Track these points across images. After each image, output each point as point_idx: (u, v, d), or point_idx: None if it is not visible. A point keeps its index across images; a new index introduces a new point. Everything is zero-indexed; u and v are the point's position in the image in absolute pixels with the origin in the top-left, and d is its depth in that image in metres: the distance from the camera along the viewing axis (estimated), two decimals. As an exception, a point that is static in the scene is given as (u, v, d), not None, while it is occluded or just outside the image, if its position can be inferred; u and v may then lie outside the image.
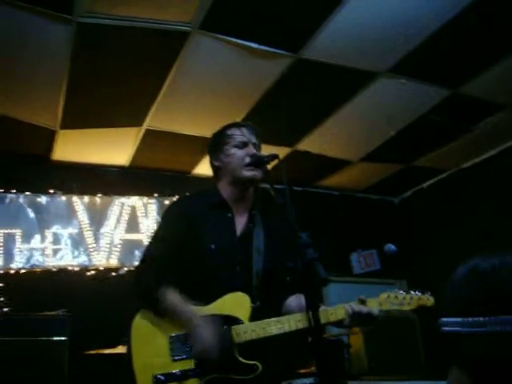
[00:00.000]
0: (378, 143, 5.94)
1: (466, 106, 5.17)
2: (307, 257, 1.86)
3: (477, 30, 4.14)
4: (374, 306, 2.33)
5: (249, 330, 2.27)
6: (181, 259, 2.45)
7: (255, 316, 2.33)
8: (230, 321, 2.30)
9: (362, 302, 2.32)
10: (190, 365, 2.25)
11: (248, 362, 2.26)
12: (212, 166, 2.65)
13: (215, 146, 2.62)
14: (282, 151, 5.89)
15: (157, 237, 2.56)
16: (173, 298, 2.32)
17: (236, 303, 2.35)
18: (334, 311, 2.30)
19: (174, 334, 2.31)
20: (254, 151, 2.51)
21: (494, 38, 4.25)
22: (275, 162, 2.36)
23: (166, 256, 2.45)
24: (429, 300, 2.41)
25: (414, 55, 4.39)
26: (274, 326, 2.28)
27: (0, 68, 4.34)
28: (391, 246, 2.34)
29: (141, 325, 2.36)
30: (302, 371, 4.69)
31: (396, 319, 5.87)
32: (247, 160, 2.47)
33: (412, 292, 2.41)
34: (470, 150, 6.11)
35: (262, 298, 2.41)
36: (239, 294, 2.36)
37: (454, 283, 1.12)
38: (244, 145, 2.53)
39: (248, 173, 2.47)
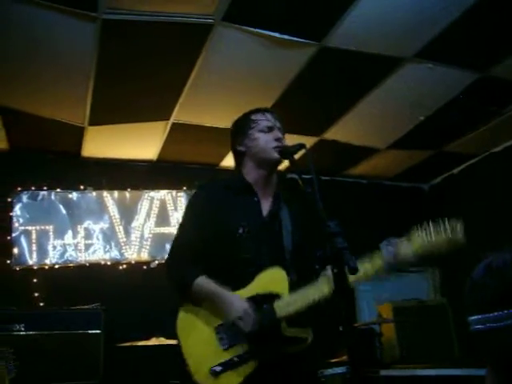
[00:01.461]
0: (406, 130, 5.86)
1: (495, 88, 5.05)
2: (336, 246, 1.85)
3: (504, 10, 4.04)
4: (406, 248, 2.29)
5: (292, 302, 2.29)
6: (209, 245, 2.46)
7: (294, 288, 2.34)
8: (271, 298, 2.32)
9: (393, 244, 2.31)
10: (242, 349, 2.29)
11: (297, 335, 2.32)
12: (235, 151, 2.65)
13: (238, 131, 2.63)
14: (309, 141, 5.86)
15: (184, 225, 2.59)
16: (208, 285, 2.36)
17: (273, 279, 2.37)
18: (369, 264, 2.27)
19: (217, 325, 2.34)
20: (280, 135, 2.52)
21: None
22: (302, 151, 2.36)
23: (194, 244, 2.47)
24: (459, 233, 2.27)
25: (440, 39, 4.30)
26: (314, 292, 2.27)
27: (28, 68, 4.41)
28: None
29: (185, 320, 2.41)
30: (334, 360, 4.69)
31: (428, 307, 5.83)
32: (274, 143, 2.48)
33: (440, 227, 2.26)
34: (501, 133, 5.97)
35: (297, 272, 2.44)
36: (274, 269, 2.37)
37: (472, 282, 1.12)
38: (269, 129, 2.53)
39: (275, 156, 2.47)
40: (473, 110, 5.47)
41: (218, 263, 2.45)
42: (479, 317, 1.06)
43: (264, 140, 2.51)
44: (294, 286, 2.35)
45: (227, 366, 2.27)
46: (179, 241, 2.54)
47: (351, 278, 2.07)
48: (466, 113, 5.51)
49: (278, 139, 2.49)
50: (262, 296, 2.33)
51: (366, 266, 2.27)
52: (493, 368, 1.11)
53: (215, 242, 2.46)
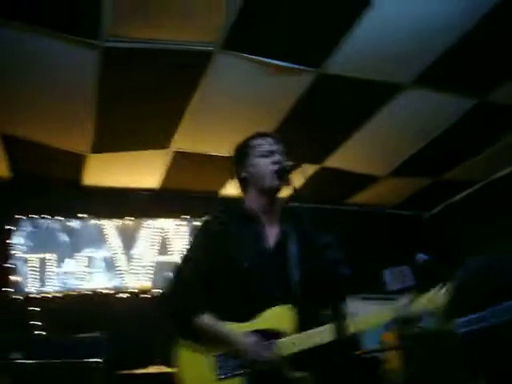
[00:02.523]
0: (406, 157, 5.89)
1: (494, 114, 5.11)
2: (330, 258, 1.85)
3: (502, 35, 4.10)
4: (418, 305, 2.25)
5: (296, 342, 2.24)
6: (214, 280, 2.41)
7: (301, 327, 2.29)
8: (275, 334, 2.27)
9: (407, 303, 2.26)
10: (236, 383, 2.24)
11: (297, 375, 2.23)
12: (238, 178, 2.61)
13: (239, 157, 2.59)
14: (310, 169, 5.89)
15: (187, 259, 2.53)
16: (211, 322, 2.32)
17: (279, 316, 2.30)
18: (378, 314, 2.27)
19: (217, 354, 2.30)
20: (279, 159, 2.46)
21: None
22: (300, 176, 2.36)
23: (197, 279, 2.42)
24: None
25: (438, 65, 4.37)
26: (320, 335, 2.23)
27: (30, 95, 4.47)
28: (422, 256, 2.30)
29: (185, 350, 2.36)
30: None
31: (436, 335, 5.74)
32: (274, 168, 2.43)
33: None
34: (501, 159, 6.01)
35: (304, 310, 2.35)
36: (282, 307, 2.31)
37: (455, 287, 1.13)
38: (270, 154, 2.49)
39: (274, 182, 2.42)
40: (472, 137, 5.50)
41: (222, 298, 2.40)
42: (464, 319, 1.06)
43: (264, 165, 2.47)
44: (301, 325, 2.30)
45: None
46: (182, 275, 2.49)
47: (360, 325, 2.18)
48: (466, 139, 5.54)
49: (277, 162, 2.44)
50: (267, 332, 2.28)
51: (377, 314, 2.28)
52: (484, 375, 1.10)
53: (220, 276, 2.41)
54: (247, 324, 2.30)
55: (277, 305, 2.31)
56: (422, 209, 7.45)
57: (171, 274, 2.54)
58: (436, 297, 2.26)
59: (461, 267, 1.12)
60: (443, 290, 2.29)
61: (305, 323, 2.31)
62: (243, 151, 2.58)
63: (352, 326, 2.10)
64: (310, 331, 2.26)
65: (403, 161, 5.98)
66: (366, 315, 2.27)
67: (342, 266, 1.83)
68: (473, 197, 6.79)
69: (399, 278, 6.89)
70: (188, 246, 2.61)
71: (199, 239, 2.56)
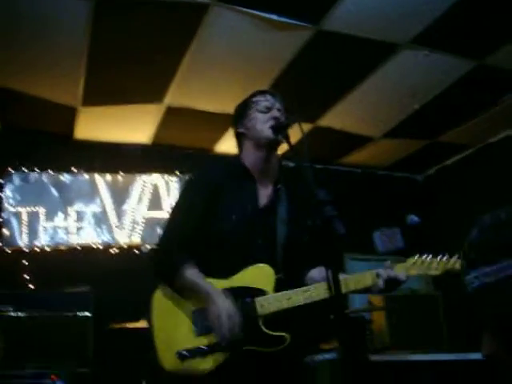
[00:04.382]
0: (402, 118, 5.84)
1: (491, 77, 5.04)
2: (325, 214, 1.84)
3: (502, -2, 4.02)
4: (400, 270, 2.31)
5: (274, 301, 2.25)
6: (202, 230, 2.41)
7: (279, 287, 2.30)
8: (254, 292, 2.27)
9: (389, 268, 2.30)
10: (215, 339, 2.21)
11: (275, 333, 2.23)
12: (236, 134, 2.62)
13: (239, 113, 2.60)
14: (304, 127, 5.80)
15: (176, 210, 2.54)
16: (191, 273, 2.30)
17: (259, 275, 2.31)
18: (361, 277, 2.30)
19: (195, 308, 2.28)
20: (278, 114, 2.47)
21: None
22: (296, 133, 2.32)
23: (185, 229, 2.43)
24: (456, 263, 2.31)
25: (437, 25, 4.27)
26: (300, 296, 2.26)
27: (19, 46, 4.36)
28: (414, 218, 2.30)
29: (161, 300, 2.35)
30: (324, 347, 4.68)
31: (419, 296, 5.83)
32: (270, 122, 2.44)
33: (439, 256, 2.34)
34: (497, 123, 5.96)
35: (286, 270, 2.38)
36: (262, 265, 2.32)
37: (468, 242, 1.10)
38: (268, 109, 2.49)
39: (270, 135, 2.43)
40: (469, 100, 5.45)
41: (209, 249, 2.40)
42: (474, 274, 1.04)
43: (261, 119, 2.47)
44: (280, 285, 2.31)
45: (196, 353, 2.21)
46: (170, 225, 2.50)
47: (343, 288, 2.12)
48: (462, 102, 5.49)
49: (274, 118, 2.44)
50: (248, 289, 2.28)
51: (359, 278, 2.30)
52: (490, 331, 1.08)
53: (207, 228, 2.40)
54: (227, 280, 2.30)
55: (259, 263, 2.33)
56: (415, 171, 7.43)
57: (162, 229, 2.56)
58: (423, 264, 2.34)
59: (475, 225, 1.10)
60: (432, 259, 2.35)
61: (287, 283, 2.33)
62: (242, 107, 2.59)
63: (343, 286, 2.12)
64: (292, 290, 2.27)
65: (398, 122, 5.92)
66: (352, 277, 2.30)
67: (338, 224, 1.82)
68: (467, 160, 6.77)
69: (390, 240, 6.93)
70: (180, 195, 2.64)
71: (189, 190, 2.58)
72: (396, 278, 2.27)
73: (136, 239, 6.05)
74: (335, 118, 5.81)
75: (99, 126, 5.82)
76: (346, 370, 1.95)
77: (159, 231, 6.00)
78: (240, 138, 2.59)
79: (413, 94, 5.32)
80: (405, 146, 6.64)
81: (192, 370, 2.21)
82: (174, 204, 2.61)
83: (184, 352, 2.20)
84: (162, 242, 2.48)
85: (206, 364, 2.20)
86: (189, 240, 2.41)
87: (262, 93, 2.59)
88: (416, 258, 2.35)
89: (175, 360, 2.20)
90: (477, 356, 3.65)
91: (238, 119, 2.59)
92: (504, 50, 4.62)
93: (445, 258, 2.33)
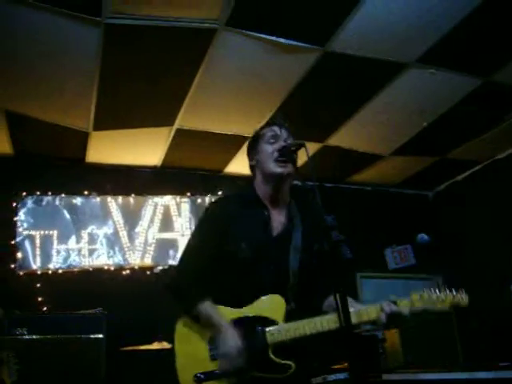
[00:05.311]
0: (410, 136, 5.87)
1: (498, 94, 5.06)
2: (332, 239, 1.87)
3: (507, 14, 4.05)
4: (405, 306, 2.34)
5: (283, 331, 2.33)
6: (216, 261, 2.49)
7: (290, 317, 2.37)
8: (265, 322, 2.35)
9: (394, 303, 2.32)
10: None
11: (281, 361, 2.31)
12: (250, 167, 2.70)
13: (250, 147, 2.69)
14: (313, 147, 5.87)
15: (193, 241, 2.61)
16: (205, 307, 2.39)
17: (271, 305, 2.39)
18: (366, 311, 2.33)
19: (212, 335, 2.38)
20: (283, 144, 2.50)
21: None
22: (304, 154, 2.35)
23: (202, 262, 2.51)
24: (463, 299, 2.37)
25: (443, 44, 4.32)
26: (307, 327, 2.32)
27: (33, 72, 4.45)
28: (424, 236, 2.32)
29: (183, 327, 2.46)
30: (336, 367, 4.66)
31: (433, 314, 5.79)
32: (276, 154, 2.49)
33: (446, 291, 2.37)
34: (504, 140, 5.97)
35: (297, 299, 2.45)
36: (275, 296, 2.39)
37: None
38: (274, 139, 2.55)
39: (277, 168, 2.48)
40: (476, 116, 5.47)
41: (223, 279, 2.49)
42: None
43: (267, 152, 2.53)
44: (290, 315, 2.38)
45: (210, 376, 2.32)
46: (186, 257, 2.57)
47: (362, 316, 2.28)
48: (470, 119, 5.51)
49: (278, 150, 2.49)
50: (259, 318, 2.37)
51: (363, 312, 2.32)
52: None
53: (221, 259, 2.48)
54: (240, 309, 2.39)
55: (272, 293, 2.40)
56: (425, 188, 7.44)
57: (178, 259, 2.63)
58: (430, 298, 2.35)
59: None
60: (438, 294, 2.36)
61: (298, 313, 2.40)
62: (252, 141, 2.69)
63: (354, 317, 2.21)
64: (300, 321, 2.34)
65: (407, 140, 5.95)
66: (359, 310, 2.32)
67: (345, 248, 1.86)
68: (476, 176, 6.77)
69: (401, 257, 6.92)
70: (195, 228, 2.72)
71: (206, 221, 2.64)
72: (399, 313, 2.31)
73: (148, 260, 6.09)
74: (344, 137, 5.85)
75: (111, 149, 5.90)
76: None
77: (171, 252, 6.06)
78: (253, 169, 2.67)
79: (421, 111, 5.35)
80: (414, 163, 6.65)
81: None
82: (190, 236, 2.69)
83: (200, 375, 2.32)
84: (179, 273, 2.56)
85: None
86: (204, 272, 2.50)
87: (268, 123, 2.68)
88: (421, 293, 2.37)
89: (192, 383, 2.32)
90: (489, 375, 3.63)
91: (250, 152, 2.68)
92: (510, 66, 4.65)
93: (452, 293, 2.36)
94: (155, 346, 4.78)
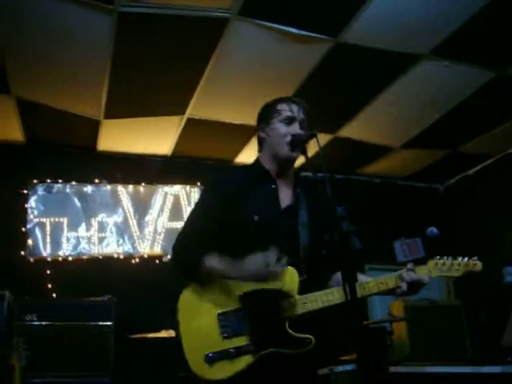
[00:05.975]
0: (422, 128, 5.84)
1: (511, 88, 5.02)
2: (343, 229, 1.87)
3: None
4: (423, 273, 2.35)
5: (299, 304, 2.26)
6: (223, 233, 2.42)
7: (303, 289, 2.30)
8: (280, 294, 2.27)
9: (411, 270, 2.32)
10: (242, 341, 2.22)
11: (301, 335, 2.23)
12: (257, 135, 2.64)
13: (262, 117, 2.61)
14: (324, 138, 5.85)
15: (194, 214, 2.53)
16: (212, 262, 2.30)
17: (285, 277, 2.29)
18: (384, 280, 2.32)
19: (221, 311, 2.27)
20: (298, 130, 2.47)
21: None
22: (315, 144, 2.32)
23: (203, 233, 2.42)
24: (476, 264, 2.41)
25: (457, 37, 4.29)
26: (324, 298, 2.27)
27: (45, 60, 4.46)
28: (433, 230, 2.32)
29: (187, 304, 2.31)
30: (344, 358, 4.67)
31: (440, 307, 5.79)
32: (288, 139, 2.46)
33: (459, 258, 2.42)
34: (517, 134, 5.95)
35: (309, 272, 2.37)
36: (288, 267, 2.30)
37: None
38: (290, 120, 2.50)
39: (288, 152, 2.46)
40: (489, 110, 5.43)
41: (230, 252, 2.37)
42: (510, 270, 1.07)
43: (281, 133, 2.48)
44: (303, 287, 2.31)
45: (223, 355, 2.20)
46: (188, 229, 2.49)
47: (366, 290, 2.26)
48: (482, 112, 5.47)
49: (293, 134, 2.45)
50: (271, 292, 2.27)
51: (381, 280, 2.32)
52: None
53: (228, 231, 2.41)
54: (254, 283, 2.28)
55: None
56: (436, 181, 7.40)
57: (183, 223, 2.55)
58: (444, 265, 2.40)
59: None
60: (453, 260, 2.41)
61: (309, 285, 2.33)
62: (267, 112, 2.59)
63: (361, 290, 2.23)
64: (316, 293, 2.29)
65: (418, 132, 5.92)
66: (375, 280, 2.32)
67: (355, 239, 1.85)
68: (488, 170, 6.73)
69: (410, 249, 6.90)
70: (200, 196, 2.65)
71: (208, 194, 2.60)
72: (419, 280, 2.30)
73: (157, 249, 6.11)
74: (355, 129, 5.83)
75: (122, 137, 5.91)
76: (365, 382, 1.96)
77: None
78: (260, 141, 2.62)
79: (433, 104, 5.32)
80: (425, 156, 6.62)
81: (220, 374, 2.21)
82: (191, 209, 2.60)
83: (211, 355, 2.21)
84: (179, 243, 2.46)
85: (234, 367, 2.20)
86: (206, 243, 2.41)
87: (287, 101, 2.58)
88: (437, 259, 2.40)
89: (204, 364, 2.20)
90: (495, 369, 3.62)
91: (261, 123, 2.60)
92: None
93: (465, 259, 2.41)
94: (163, 334, 4.80)
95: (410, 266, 2.35)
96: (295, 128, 2.48)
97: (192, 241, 2.42)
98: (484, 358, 4.31)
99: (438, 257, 2.40)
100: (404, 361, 4.69)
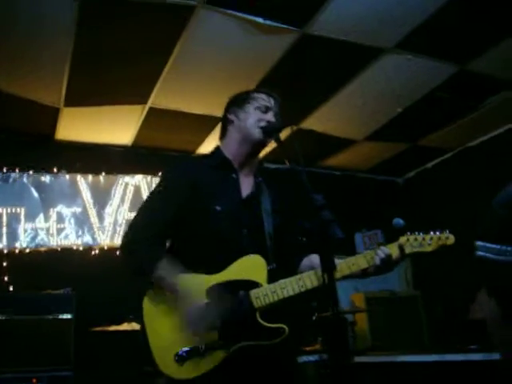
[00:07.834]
0: (384, 121, 5.89)
1: (472, 82, 5.11)
2: (324, 218, 1.85)
3: (485, 4, 4.07)
4: (394, 250, 2.29)
5: (269, 293, 2.20)
6: (183, 224, 2.33)
7: (272, 278, 2.25)
8: (248, 285, 2.21)
9: (384, 245, 2.29)
10: (212, 337, 2.15)
11: (273, 325, 2.17)
12: (224, 120, 2.58)
13: (235, 101, 2.57)
14: (286, 130, 5.82)
15: (150, 202, 2.44)
16: (162, 269, 2.21)
17: (251, 266, 2.25)
18: (355, 261, 2.27)
19: (189, 307, 2.18)
20: (273, 119, 2.46)
21: (502, 13, 4.17)
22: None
23: (159, 223, 2.34)
24: (449, 238, 2.32)
25: (420, 31, 4.33)
26: (295, 284, 2.21)
27: (3, 45, 4.30)
28: (400, 221, 2.33)
29: (151, 303, 2.26)
30: (307, 349, 4.70)
31: (400, 298, 5.90)
32: (262, 123, 2.43)
33: (431, 232, 2.33)
34: (476, 128, 6.05)
35: (277, 260, 2.35)
36: (254, 256, 2.26)
37: (488, 210, 1.14)
38: (266, 110, 2.47)
39: (259, 136, 2.42)
40: (450, 104, 5.52)
41: (191, 244, 2.32)
42: (484, 244, 1.08)
43: (256, 117, 2.45)
44: (272, 275, 2.26)
45: (194, 352, 2.15)
46: (141, 220, 2.37)
47: (338, 273, 2.17)
48: (443, 106, 5.56)
49: (269, 121, 2.43)
50: (241, 282, 2.21)
51: (352, 261, 2.27)
52: (488, 292, 1.13)
53: (190, 221, 2.33)
54: (219, 275, 2.23)
55: (248, 254, 2.27)
56: (396, 174, 7.51)
57: (132, 217, 2.43)
58: (416, 241, 2.33)
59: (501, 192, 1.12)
60: (424, 235, 2.34)
61: (279, 273, 2.29)
62: (241, 97, 2.56)
63: (338, 271, 2.18)
64: (286, 280, 2.24)
65: (381, 125, 5.98)
66: (346, 261, 2.27)
67: (337, 228, 1.84)
68: (447, 163, 6.86)
69: (371, 241, 6.98)
70: (157, 185, 2.48)
71: (165, 181, 2.48)
72: (390, 256, 2.25)
73: (118, 241, 6.00)
74: (318, 121, 5.84)
75: (81, 126, 5.77)
76: (331, 372, 1.97)
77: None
78: (227, 125, 2.56)
79: (396, 97, 5.37)
80: (386, 149, 6.70)
81: (191, 372, 2.14)
82: (146, 196, 2.50)
83: (182, 353, 2.15)
84: (131, 235, 2.33)
85: (205, 364, 2.14)
86: (162, 235, 2.34)
87: (266, 93, 2.55)
88: (408, 235, 2.33)
89: (173, 363, 2.15)
90: (458, 357, 3.70)
91: (233, 106, 2.55)
92: (486, 55, 4.69)
93: (437, 233, 2.33)
94: (124, 326, 4.74)
95: (381, 243, 2.32)
96: (270, 116, 2.47)
97: (145, 236, 2.30)
98: (444, 346, 4.40)
99: (408, 232, 2.32)
100: (365, 351, 4.76)
